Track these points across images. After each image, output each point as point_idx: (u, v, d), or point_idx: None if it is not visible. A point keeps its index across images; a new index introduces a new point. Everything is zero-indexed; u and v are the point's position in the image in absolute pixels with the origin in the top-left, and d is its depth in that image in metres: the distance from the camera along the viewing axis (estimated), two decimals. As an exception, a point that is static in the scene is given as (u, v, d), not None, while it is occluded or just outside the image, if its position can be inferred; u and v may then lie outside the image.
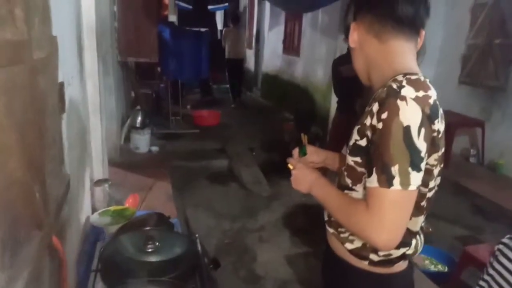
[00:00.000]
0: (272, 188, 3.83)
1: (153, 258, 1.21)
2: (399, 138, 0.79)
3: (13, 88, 0.78)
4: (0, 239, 0.69)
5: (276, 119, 6.41)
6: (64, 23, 1.49)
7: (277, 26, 7.72)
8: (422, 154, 0.82)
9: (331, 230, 1.04)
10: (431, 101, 0.84)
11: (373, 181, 0.83)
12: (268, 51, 8.39)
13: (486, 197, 3.45)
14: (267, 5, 7.89)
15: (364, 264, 0.97)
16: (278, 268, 2.63)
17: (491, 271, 1.43)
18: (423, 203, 0.94)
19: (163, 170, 3.69)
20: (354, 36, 0.98)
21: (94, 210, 2.09)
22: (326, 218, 1.07)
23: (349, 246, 0.99)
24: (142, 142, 4.27)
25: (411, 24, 0.93)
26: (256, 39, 8.99)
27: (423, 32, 0.96)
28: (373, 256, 0.96)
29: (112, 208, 1.88)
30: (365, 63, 0.98)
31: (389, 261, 0.96)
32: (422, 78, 0.88)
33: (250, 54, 9.47)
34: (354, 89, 3.29)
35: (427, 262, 2.32)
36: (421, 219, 0.97)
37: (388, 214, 0.82)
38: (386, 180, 0.81)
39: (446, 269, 2.28)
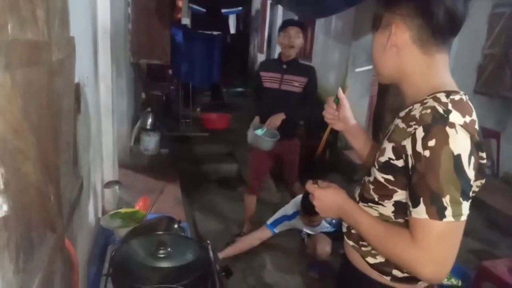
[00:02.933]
0: (282, 194, 3.79)
1: (164, 264, 1.19)
2: (450, 167, 0.76)
3: (31, 90, 0.77)
4: (15, 243, 0.67)
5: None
6: (81, 25, 1.48)
7: (289, 31, 7.69)
8: (472, 183, 0.79)
9: (350, 243, 1.00)
10: (477, 126, 0.82)
11: (421, 212, 0.79)
12: (280, 56, 8.36)
13: (501, 210, 3.37)
14: (280, 9, 7.89)
15: (386, 280, 0.93)
16: (287, 277, 2.59)
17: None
18: None
19: (173, 173, 3.68)
20: (393, 39, 0.87)
21: (104, 212, 2.08)
22: (344, 230, 1.03)
23: (371, 260, 0.95)
24: (152, 144, 4.27)
25: (458, 30, 0.86)
26: (268, 43, 8.99)
27: None
28: (396, 272, 0.92)
29: (122, 210, 1.87)
30: (398, 72, 0.91)
31: (413, 279, 0.91)
32: (464, 98, 0.84)
33: (261, 59, 9.46)
34: (279, 103, 2.59)
35: (440, 275, 2.26)
36: None
37: (438, 247, 0.78)
38: (437, 212, 0.77)
39: (460, 283, 2.22)
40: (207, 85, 6.02)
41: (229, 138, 5.31)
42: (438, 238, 0.78)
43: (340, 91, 1.13)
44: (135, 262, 1.19)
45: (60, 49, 1.01)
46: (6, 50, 0.62)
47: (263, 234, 2.60)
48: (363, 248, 0.97)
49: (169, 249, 1.23)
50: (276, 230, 2.58)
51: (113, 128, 2.53)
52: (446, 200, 0.76)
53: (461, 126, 0.78)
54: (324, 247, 2.42)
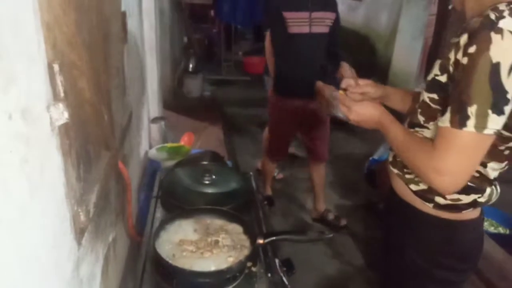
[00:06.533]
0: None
1: (209, 190, 1.24)
2: (485, 75, 0.71)
3: (82, 7, 0.78)
4: (76, 153, 0.72)
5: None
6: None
7: (338, -32, 7.14)
8: (509, 96, 0.72)
9: (395, 171, 0.99)
10: None
11: (445, 121, 0.77)
12: (326, -4, 7.87)
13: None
14: None
15: (429, 208, 0.92)
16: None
17: None
18: (504, 149, 0.84)
19: (215, 115, 3.74)
20: None
21: (150, 146, 2.17)
22: (390, 159, 1.01)
23: (414, 187, 0.94)
24: (195, 86, 4.33)
25: None
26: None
27: None
28: (439, 199, 0.90)
29: (168, 144, 1.95)
30: None
31: (456, 207, 0.90)
32: None
33: None
34: (309, 53, 2.10)
35: (486, 223, 2.20)
36: (501, 167, 0.88)
37: (454, 157, 0.76)
38: (459, 121, 0.74)
39: (508, 232, 2.15)
40: (249, 26, 5.86)
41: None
42: (456, 147, 0.76)
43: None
44: (182, 187, 1.26)
45: (106, -29, 1.00)
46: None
47: None
48: (406, 176, 0.96)
49: (213, 177, 1.28)
50: None
51: (157, 66, 2.57)
52: (471, 109, 0.73)
53: (511, 32, 0.70)
54: None
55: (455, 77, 0.77)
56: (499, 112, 0.73)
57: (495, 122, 0.73)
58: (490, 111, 0.72)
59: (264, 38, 2.33)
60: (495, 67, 0.70)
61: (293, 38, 2.12)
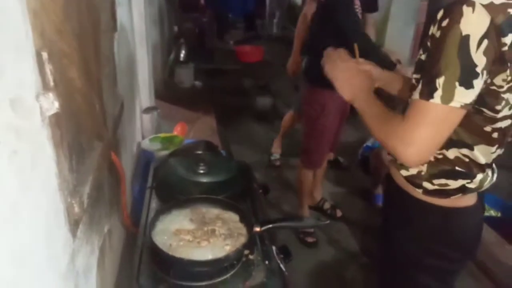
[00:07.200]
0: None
1: (204, 179, 1.23)
2: (454, 48, 0.71)
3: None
4: (68, 143, 0.70)
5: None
6: None
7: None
8: (478, 69, 0.72)
9: (389, 158, 1.00)
10: (511, 10, 0.72)
11: (416, 93, 0.78)
12: (316, -17, 7.76)
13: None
14: None
15: (418, 193, 0.93)
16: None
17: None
18: (491, 131, 0.84)
19: (207, 105, 3.71)
20: None
21: (143, 137, 2.15)
22: None
23: (404, 173, 0.94)
24: (186, 76, 4.27)
25: None
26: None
27: None
28: (426, 184, 0.90)
29: (161, 135, 1.93)
30: None
31: (444, 192, 0.90)
32: None
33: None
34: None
35: (477, 206, 2.23)
36: (491, 151, 0.87)
37: (421, 129, 0.76)
38: (427, 92, 0.75)
39: (499, 215, 2.19)
40: (241, 15, 5.79)
41: (263, 71, 5.20)
42: (423, 119, 0.76)
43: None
44: (177, 176, 1.25)
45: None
46: None
47: None
48: (398, 161, 0.95)
49: (208, 166, 1.27)
50: None
51: (148, 56, 2.52)
52: (439, 81, 0.73)
53: (483, 5, 0.70)
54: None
55: (429, 51, 0.77)
56: (467, 85, 0.72)
57: (463, 95, 0.73)
58: (457, 83, 0.72)
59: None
60: (464, 40, 0.70)
61: (357, 26, 2.05)
